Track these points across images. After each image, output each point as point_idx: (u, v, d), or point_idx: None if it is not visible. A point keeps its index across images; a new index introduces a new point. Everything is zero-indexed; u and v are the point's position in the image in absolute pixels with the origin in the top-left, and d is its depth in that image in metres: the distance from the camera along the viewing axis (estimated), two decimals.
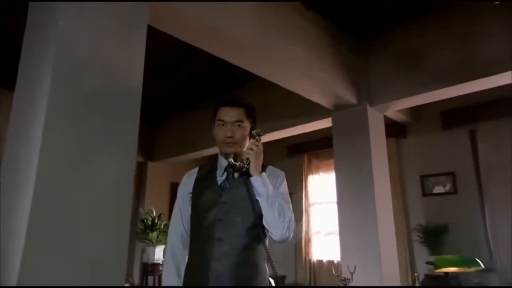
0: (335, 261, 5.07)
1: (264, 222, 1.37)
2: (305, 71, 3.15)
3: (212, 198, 1.44)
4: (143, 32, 1.98)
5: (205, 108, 5.17)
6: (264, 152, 1.44)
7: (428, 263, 3.86)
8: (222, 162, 1.51)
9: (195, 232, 1.46)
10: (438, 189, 4.50)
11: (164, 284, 1.47)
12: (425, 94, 3.39)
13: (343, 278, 2.14)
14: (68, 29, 1.67)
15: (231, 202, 1.41)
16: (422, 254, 4.41)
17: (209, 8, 2.37)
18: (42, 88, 1.61)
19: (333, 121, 3.94)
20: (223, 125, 1.47)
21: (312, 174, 5.75)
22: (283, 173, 1.53)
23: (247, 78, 3.88)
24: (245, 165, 1.38)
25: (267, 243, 1.42)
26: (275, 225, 1.35)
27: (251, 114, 1.52)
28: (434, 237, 4.26)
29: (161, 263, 5.27)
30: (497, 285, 3.88)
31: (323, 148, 5.33)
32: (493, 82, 3.11)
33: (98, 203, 1.61)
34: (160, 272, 5.21)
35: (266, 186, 1.37)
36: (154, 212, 5.35)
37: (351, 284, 2.28)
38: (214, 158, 1.57)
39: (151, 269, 5.19)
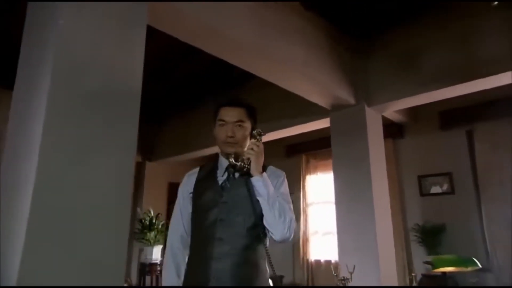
0: (332, 261, 5.08)
1: (264, 222, 1.37)
2: (304, 71, 3.16)
3: (213, 198, 1.44)
4: (143, 32, 1.98)
5: (204, 108, 5.20)
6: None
7: (426, 262, 3.87)
8: (223, 162, 1.51)
9: (196, 232, 1.46)
10: (436, 189, 4.53)
11: (164, 284, 1.47)
12: (423, 94, 3.41)
13: (342, 278, 2.14)
14: (68, 29, 1.67)
15: (232, 202, 1.41)
16: (419, 254, 4.43)
17: (208, 8, 2.37)
18: (42, 88, 1.61)
19: (331, 121, 3.95)
20: (224, 125, 1.47)
21: (310, 174, 5.77)
22: (284, 173, 1.54)
23: (245, 78, 3.89)
24: (246, 165, 1.38)
25: (267, 243, 1.43)
26: (276, 225, 1.35)
27: (252, 114, 1.52)
28: (431, 237, 4.28)
29: (159, 263, 5.26)
30: (494, 284, 3.90)
31: (321, 148, 5.35)
32: (492, 82, 3.13)
33: (97, 203, 1.61)
34: (158, 272, 5.21)
35: (267, 186, 1.37)
36: (152, 212, 5.34)
37: (350, 284, 2.29)
38: (215, 158, 1.57)
39: (148, 269, 5.18)
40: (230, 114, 1.47)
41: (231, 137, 1.44)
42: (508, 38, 2.89)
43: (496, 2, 2.24)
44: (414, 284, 3.51)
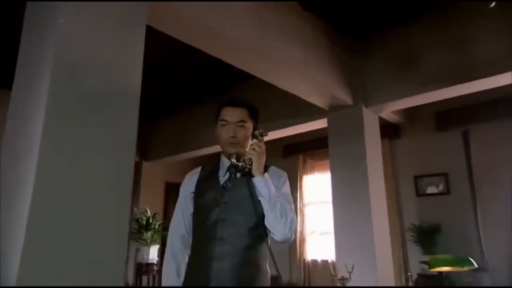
0: (329, 261, 5.10)
1: (266, 223, 1.38)
2: (302, 71, 3.17)
3: (214, 198, 1.44)
4: (142, 32, 1.98)
5: (201, 107, 5.20)
6: None
7: (422, 262, 3.90)
8: (225, 162, 1.51)
9: (197, 232, 1.46)
10: (432, 190, 4.56)
11: (163, 283, 1.47)
12: (420, 95, 3.43)
13: (341, 278, 2.15)
14: (67, 28, 1.67)
15: (233, 202, 1.41)
16: (415, 254, 4.46)
17: (207, 8, 2.38)
18: (41, 88, 1.60)
19: (328, 122, 3.97)
20: (225, 125, 1.47)
21: (307, 174, 5.78)
22: (286, 173, 1.54)
23: (243, 78, 3.89)
24: (248, 166, 1.39)
25: (269, 243, 1.43)
26: (277, 225, 1.35)
27: (254, 114, 1.52)
28: (427, 237, 4.31)
29: (155, 263, 5.26)
30: (489, 284, 3.94)
31: (318, 149, 5.37)
32: (489, 83, 3.15)
33: (97, 202, 1.61)
34: (155, 272, 5.21)
35: (268, 186, 1.38)
36: (149, 212, 5.35)
37: (349, 284, 2.30)
38: (216, 158, 1.57)
39: (145, 269, 5.19)
40: (232, 114, 1.47)
41: (233, 137, 1.44)
42: (506, 40, 2.91)
43: (493, 4, 2.26)
44: (410, 283, 3.53)
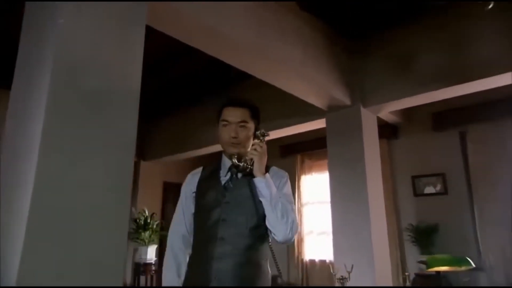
0: (327, 261, 5.11)
1: (267, 223, 1.38)
2: (301, 71, 3.18)
3: (215, 198, 1.44)
4: (142, 32, 1.98)
5: (199, 107, 5.21)
6: None
7: (420, 262, 3.91)
8: (226, 162, 1.51)
9: (198, 232, 1.46)
10: (429, 190, 4.58)
11: (164, 283, 1.47)
12: (418, 96, 3.44)
13: (341, 277, 2.16)
14: (67, 28, 1.67)
15: (235, 202, 1.42)
16: (413, 254, 4.48)
17: (206, 8, 2.38)
18: (41, 87, 1.60)
19: (327, 122, 3.98)
20: (227, 125, 1.47)
21: (305, 174, 5.79)
22: (287, 174, 1.54)
23: (241, 78, 3.89)
24: (249, 166, 1.39)
25: (270, 242, 1.43)
26: (278, 226, 1.35)
27: (255, 114, 1.52)
28: (424, 236, 4.33)
29: (153, 262, 5.26)
30: (486, 283, 3.96)
31: (316, 149, 5.38)
32: (488, 84, 3.17)
33: (97, 202, 1.61)
34: (153, 272, 5.20)
35: (270, 187, 1.38)
36: (147, 212, 5.34)
37: (348, 283, 2.31)
38: (218, 158, 1.57)
39: (143, 268, 5.18)
40: (233, 114, 1.47)
41: (234, 137, 1.44)
42: (505, 40, 2.93)
43: (491, 5, 2.27)
44: (408, 283, 3.55)
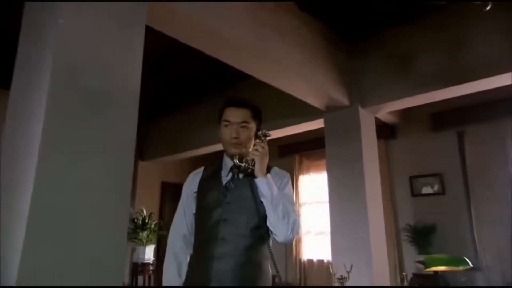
0: (325, 261, 5.13)
1: (268, 224, 1.38)
2: (299, 72, 3.18)
3: (217, 198, 1.44)
4: (142, 32, 1.98)
5: (197, 107, 5.21)
6: None
7: (418, 262, 3.94)
8: (228, 162, 1.51)
9: (199, 232, 1.47)
10: (427, 190, 4.60)
11: (164, 283, 1.47)
12: (416, 96, 3.45)
13: (340, 277, 2.17)
14: (67, 28, 1.67)
15: (236, 202, 1.42)
16: (410, 254, 4.50)
17: (205, 8, 2.38)
18: (41, 87, 1.60)
19: (325, 122, 3.98)
20: (228, 125, 1.47)
21: (303, 174, 5.80)
22: (288, 174, 1.55)
23: (240, 78, 3.89)
24: (250, 166, 1.39)
25: (270, 244, 1.44)
26: (279, 226, 1.35)
27: (257, 115, 1.52)
28: (422, 236, 4.34)
29: (151, 262, 5.25)
30: (483, 283, 3.98)
31: (314, 149, 5.39)
32: (487, 84, 3.18)
33: (97, 202, 1.61)
34: (151, 272, 5.20)
35: (271, 187, 1.38)
36: (145, 212, 5.34)
37: (347, 283, 2.32)
38: (219, 158, 1.57)
39: (141, 268, 5.18)
40: (235, 114, 1.47)
41: (236, 138, 1.44)
42: (504, 41, 2.94)
43: (488, 7, 2.29)
44: (405, 283, 3.57)
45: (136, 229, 5.17)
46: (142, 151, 6.02)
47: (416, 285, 4.09)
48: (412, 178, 4.73)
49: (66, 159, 1.56)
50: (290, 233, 1.35)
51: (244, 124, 1.47)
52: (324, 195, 4.17)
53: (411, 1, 3.20)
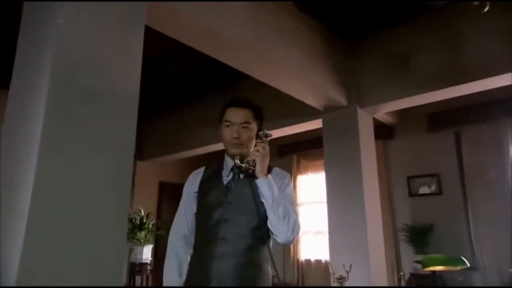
0: (323, 261, 5.14)
1: (268, 224, 1.38)
2: (298, 72, 3.19)
3: (217, 198, 1.44)
4: (141, 32, 1.98)
5: (196, 107, 5.20)
6: None
7: (416, 261, 3.95)
8: (229, 162, 1.51)
9: (200, 232, 1.47)
10: (424, 190, 4.62)
11: (165, 282, 1.47)
12: (415, 96, 3.46)
13: (339, 277, 2.17)
14: (67, 28, 1.66)
15: (237, 202, 1.42)
16: (407, 253, 4.52)
17: (204, 8, 2.39)
18: (41, 87, 1.60)
19: (323, 122, 3.99)
20: (230, 126, 1.47)
21: (301, 174, 5.81)
22: (289, 175, 1.55)
23: (238, 78, 3.89)
24: (251, 167, 1.39)
25: (271, 244, 1.44)
26: (279, 227, 1.36)
27: (258, 115, 1.53)
28: (419, 236, 4.36)
29: (149, 262, 5.25)
30: (479, 282, 4.01)
31: (312, 149, 5.40)
32: (484, 85, 3.19)
33: (97, 202, 1.61)
34: (148, 272, 5.20)
35: (272, 188, 1.38)
36: (143, 212, 5.33)
37: (346, 283, 2.33)
38: (220, 158, 1.57)
39: (138, 268, 5.18)
40: (236, 115, 1.48)
41: (237, 138, 1.45)
42: (502, 41, 2.95)
43: (486, 8, 2.30)
44: (403, 283, 3.58)
45: (134, 229, 5.16)
46: (140, 151, 6.01)
47: (413, 285, 4.11)
48: (409, 178, 4.75)
49: (66, 159, 1.56)
50: (291, 234, 1.36)
51: (245, 125, 1.47)
52: (322, 195, 4.18)
53: (409, 2, 3.21)
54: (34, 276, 1.39)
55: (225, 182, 1.48)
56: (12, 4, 2.47)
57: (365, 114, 3.88)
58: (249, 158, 1.42)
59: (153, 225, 5.35)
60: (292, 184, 1.53)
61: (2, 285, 1.39)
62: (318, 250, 5.28)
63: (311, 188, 5.63)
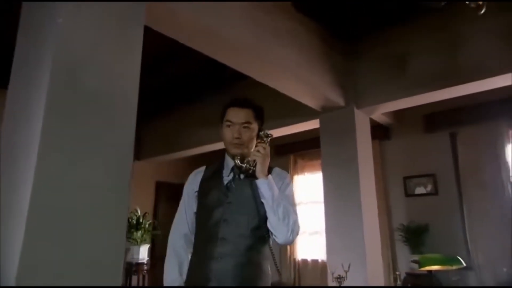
0: (319, 260, 5.16)
1: (268, 225, 1.39)
2: (295, 73, 3.20)
3: (218, 198, 1.45)
4: (141, 32, 1.98)
5: (193, 107, 5.20)
6: None
7: (413, 261, 3.98)
8: (229, 162, 1.52)
9: (199, 231, 1.47)
10: (420, 190, 4.65)
11: (165, 282, 1.47)
12: (412, 97, 3.47)
13: (338, 276, 2.19)
14: (67, 28, 1.66)
15: (237, 202, 1.42)
16: (403, 253, 4.55)
17: (203, 9, 2.39)
18: (40, 87, 1.59)
19: (320, 123, 4.00)
20: (230, 126, 1.47)
21: (298, 174, 5.83)
22: (289, 175, 1.56)
23: (236, 78, 3.90)
24: (252, 167, 1.40)
25: (271, 244, 1.45)
26: (279, 228, 1.36)
27: (259, 115, 1.53)
28: (415, 236, 4.39)
29: (145, 262, 5.24)
30: (474, 282, 4.04)
31: (309, 149, 5.42)
32: (481, 86, 3.20)
33: (96, 202, 1.61)
34: (145, 271, 5.19)
35: (272, 189, 1.39)
36: (139, 211, 5.32)
37: (345, 283, 2.34)
38: (221, 157, 1.58)
39: (135, 268, 5.17)
40: (237, 115, 1.48)
41: (238, 138, 1.45)
42: (500, 42, 2.97)
43: (483, 10, 2.32)
44: (399, 282, 3.61)
45: (130, 228, 5.15)
46: (137, 151, 5.98)
47: (409, 285, 4.14)
48: (405, 179, 4.78)
49: (65, 159, 1.56)
50: (290, 235, 1.36)
51: (246, 125, 1.47)
52: (319, 195, 4.19)
53: (407, 2, 3.22)
54: (34, 276, 1.39)
55: (225, 182, 1.48)
56: (11, 4, 2.46)
57: (362, 114, 3.90)
58: (249, 159, 1.42)
59: (149, 225, 5.34)
60: (292, 184, 1.53)
61: (2, 285, 1.39)
62: (314, 250, 5.30)
63: (308, 188, 5.64)
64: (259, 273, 1.40)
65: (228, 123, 1.48)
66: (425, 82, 3.34)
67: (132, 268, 5.16)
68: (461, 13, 3.17)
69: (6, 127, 1.72)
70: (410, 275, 4.21)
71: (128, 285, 5.18)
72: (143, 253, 5.23)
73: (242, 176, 1.46)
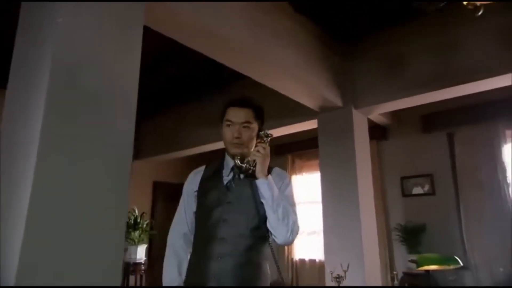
0: (317, 260, 5.17)
1: (267, 225, 1.39)
2: (294, 73, 3.21)
3: (217, 197, 1.44)
4: (140, 32, 1.98)
5: (191, 106, 5.20)
6: None
7: (411, 261, 3.99)
8: (229, 162, 1.52)
9: (199, 231, 1.47)
10: (417, 190, 4.67)
11: (164, 281, 1.47)
12: (409, 98, 3.48)
13: (337, 276, 2.19)
14: (66, 28, 1.66)
15: (237, 202, 1.42)
16: (401, 253, 4.56)
17: (203, 9, 2.39)
18: (40, 87, 1.59)
19: (318, 123, 4.01)
20: (230, 125, 1.47)
21: (296, 174, 5.83)
22: (289, 175, 1.56)
23: (234, 77, 3.90)
24: (252, 167, 1.40)
25: (271, 244, 1.45)
26: (279, 228, 1.36)
27: (259, 115, 1.53)
28: (412, 236, 4.41)
29: (143, 262, 5.23)
30: (471, 282, 4.06)
31: (307, 149, 5.43)
32: (479, 87, 3.21)
33: (96, 202, 1.61)
34: (142, 271, 5.18)
35: (272, 189, 1.39)
36: (137, 211, 5.31)
37: (344, 282, 2.35)
38: (221, 157, 1.57)
39: (133, 268, 5.16)
40: (237, 115, 1.47)
41: (237, 138, 1.45)
42: (496, 44, 2.98)
43: (480, 12, 2.34)
44: (396, 282, 3.62)
45: (128, 228, 5.14)
46: (135, 150, 5.95)
47: (406, 284, 4.16)
48: (403, 179, 4.80)
49: (65, 159, 1.56)
50: (290, 235, 1.36)
51: (246, 124, 1.47)
52: (316, 195, 4.20)
53: (405, 3, 3.22)
54: (34, 276, 1.39)
55: (225, 182, 1.48)
56: (10, 4, 2.45)
57: (360, 115, 3.92)
58: (249, 158, 1.42)
59: (147, 224, 5.33)
60: (292, 184, 1.54)
61: (2, 285, 1.39)
62: (312, 250, 5.31)
63: (306, 188, 5.65)
64: (258, 273, 1.41)
65: (228, 123, 1.48)
66: (423, 82, 3.35)
67: (129, 268, 5.15)
68: (459, 14, 3.17)
69: (5, 127, 1.72)
70: (407, 275, 4.23)
71: (125, 285, 5.17)
72: (140, 253, 5.22)
73: (242, 176, 1.46)
